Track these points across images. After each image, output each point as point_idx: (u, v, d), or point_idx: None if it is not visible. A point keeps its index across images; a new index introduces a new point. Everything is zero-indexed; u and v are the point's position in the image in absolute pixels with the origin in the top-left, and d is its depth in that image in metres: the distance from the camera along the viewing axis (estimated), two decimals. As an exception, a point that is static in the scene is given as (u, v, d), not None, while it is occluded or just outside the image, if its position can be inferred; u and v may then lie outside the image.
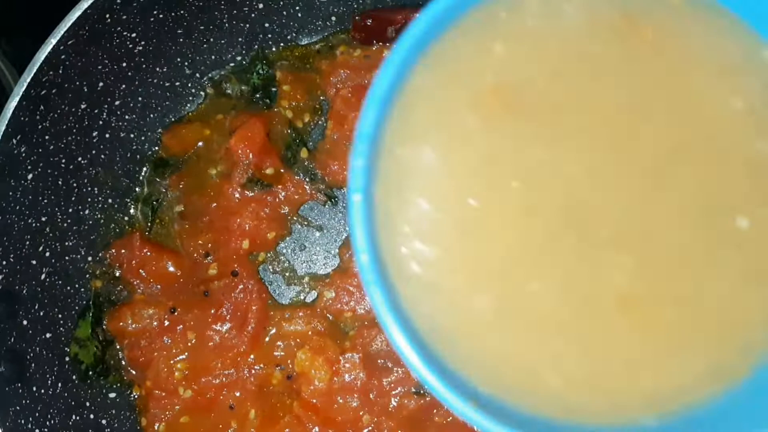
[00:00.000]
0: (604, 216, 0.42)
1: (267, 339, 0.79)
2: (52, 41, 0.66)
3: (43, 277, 0.72)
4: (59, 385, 0.71)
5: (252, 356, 0.78)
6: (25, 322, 0.69)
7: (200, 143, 0.83)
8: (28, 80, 0.65)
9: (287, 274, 0.81)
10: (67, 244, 0.75)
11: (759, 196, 0.42)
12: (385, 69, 0.40)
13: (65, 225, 0.75)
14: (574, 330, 0.42)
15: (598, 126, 0.42)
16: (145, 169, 0.82)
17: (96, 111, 0.75)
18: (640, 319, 0.41)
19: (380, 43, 0.84)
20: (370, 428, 0.76)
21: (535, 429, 0.40)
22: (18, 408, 0.65)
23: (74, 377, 0.73)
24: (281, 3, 0.82)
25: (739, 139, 0.42)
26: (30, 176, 0.69)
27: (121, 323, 0.77)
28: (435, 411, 0.76)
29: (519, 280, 0.42)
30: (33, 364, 0.69)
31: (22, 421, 0.65)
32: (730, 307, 0.42)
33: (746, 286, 0.42)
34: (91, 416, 0.73)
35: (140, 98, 0.80)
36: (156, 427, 0.76)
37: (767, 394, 0.40)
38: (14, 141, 0.66)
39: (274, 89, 0.83)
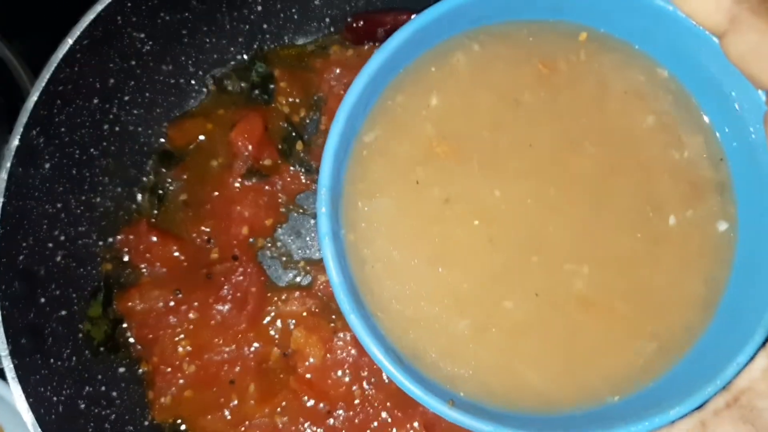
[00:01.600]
0: (560, 236, 0.47)
1: (266, 319, 0.83)
2: (69, 41, 0.70)
3: (58, 259, 0.76)
4: (74, 358, 0.75)
5: (251, 334, 0.82)
6: (42, 300, 0.73)
7: (203, 136, 0.87)
8: (47, 77, 0.69)
9: (284, 258, 0.86)
10: (80, 229, 0.79)
11: (680, 197, 0.48)
12: (334, 125, 0.46)
13: (78, 211, 0.79)
14: (545, 332, 0.47)
15: (540, 163, 0.48)
16: (151, 160, 0.87)
17: (107, 106, 0.80)
18: (597, 315, 0.47)
19: (371, 43, 0.89)
20: (360, 399, 0.80)
21: (511, 422, 0.45)
22: (38, 377, 0.69)
23: (87, 352, 0.78)
24: (279, 6, 0.86)
25: (658, 151, 0.48)
26: (47, 165, 0.74)
27: (130, 303, 0.81)
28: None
29: (494, 300, 0.47)
30: (50, 339, 0.73)
31: (42, 389, 0.69)
32: (671, 294, 0.47)
33: (681, 274, 0.47)
34: (102, 388, 0.78)
35: (147, 94, 0.84)
36: (162, 400, 0.81)
37: (705, 364, 0.46)
38: (34, 132, 0.70)
39: (272, 86, 0.87)
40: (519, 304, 0.46)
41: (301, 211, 0.86)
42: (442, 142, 0.47)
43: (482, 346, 0.46)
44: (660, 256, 0.47)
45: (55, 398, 0.71)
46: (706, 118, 0.49)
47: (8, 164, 0.68)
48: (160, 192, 0.86)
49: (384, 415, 0.80)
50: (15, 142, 0.68)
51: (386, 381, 0.81)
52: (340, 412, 0.81)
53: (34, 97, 0.69)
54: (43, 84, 0.69)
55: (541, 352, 0.47)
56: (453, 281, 0.47)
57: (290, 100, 0.88)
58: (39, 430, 0.66)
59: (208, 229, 0.85)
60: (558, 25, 0.49)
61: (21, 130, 0.69)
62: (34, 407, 0.67)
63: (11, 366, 0.66)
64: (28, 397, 0.67)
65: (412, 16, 0.47)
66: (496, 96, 0.48)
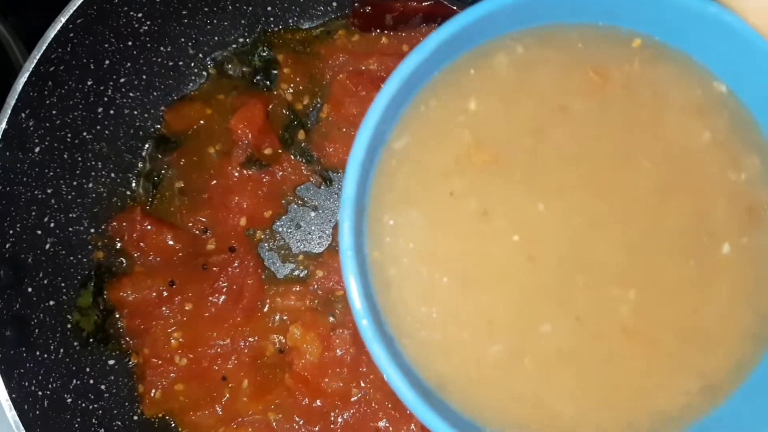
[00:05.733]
0: (607, 257, 0.44)
1: (261, 313, 0.81)
2: (62, 19, 0.67)
3: (47, 246, 0.74)
4: (61, 350, 0.73)
5: (246, 329, 0.80)
6: (30, 290, 0.71)
7: (201, 122, 0.84)
8: (38, 57, 0.66)
9: (282, 251, 0.83)
10: (71, 215, 0.77)
11: (736, 222, 0.44)
12: (361, 132, 0.41)
13: (69, 197, 0.76)
14: (585, 362, 0.44)
15: (587, 176, 0.44)
16: (147, 145, 0.84)
17: (101, 88, 0.77)
18: (641, 346, 0.44)
19: (378, 30, 0.86)
20: (358, 399, 0.78)
21: None
22: (22, 371, 0.67)
23: (75, 344, 0.75)
24: (284, -13, 0.83)
25: (714, 172, 0.45)
26: (37, 149, 0.71)
27: (121, 293, 0.79)
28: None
29: (531, 324, 0.43)
30: (37, 330, 0.71)
31: (26, 384, 0.67)
32: (721, 328, 0.44)
33: (733, 307, 0.44)
34: (91, 381, 0.75)
35: (144, 76, 0.81)
36: (152, 394, 0.78)
37: (755, 405, 0.43)
38: (23, 115, 0.68)
39: (274, 71, 0.84)
40: (557, 329, 0.43)
41: (300, 202, 0.83)
42: (480, 150, 0.43)
43: (514, 375, 0.43)
44: (711, 286, 0.44)
45: (40, 393, 0.68)
46: (763, 139, 0.45)
47: (-5, 148, 0.65)
48: (156, 178, 0.84)
49: (381, 415, 0.78)
50: (2, 125, 0.65)
51: (383, 380, 0.78)
52: (337, 411, 0.78)
53: (23, 78, 0.66)
54: (33, 64, 0.66)
55: (579, 384, 0.43)
56: (486, 303, 0.43)
57: (293, 86, 0.84)
58: (21, 427, 0.64)
59: (204, 219, 0.83)
60: (610, 31, 0.45)
61: (9, 112, 0.66)
62: (16, 403, 0.64)
63: (-5, 359, 0.64)
64: (11, 392, 0.64)
65: (455, 13, 0.43)
66: (540, 102, 0.44)
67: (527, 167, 0.44)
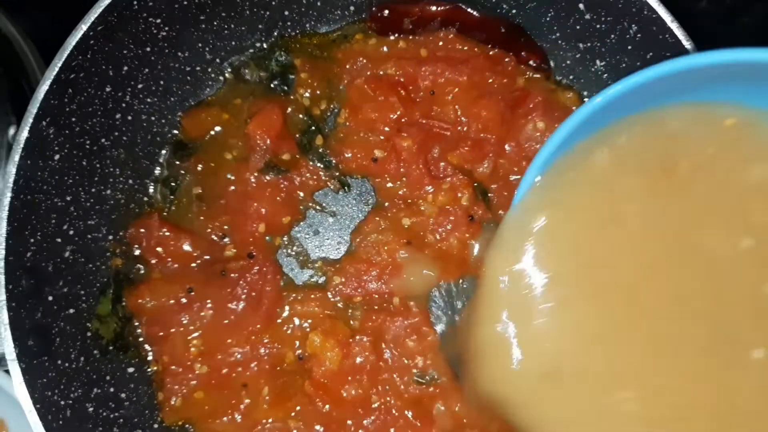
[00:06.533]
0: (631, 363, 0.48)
1: (280, 320, 0.80)
2: (83, 27, 0.67)
3: (66, 254, 0.73)
4: (82, 359, 0.73)
5: (266, 336, 0.79)
6: (50, 298, 0.70)
7: (218, 127, 0.83)
8: (59, 65, 0.66)
9: (301, 257, 0.83)
10: (89, 223, 0.76)
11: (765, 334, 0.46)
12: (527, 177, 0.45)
13: (88, 204, 0.76)
14: None
15: (626, 284, 0.47)
16: (164, 151, 0.83)
17: (120, 94, 0.76)
18: None
19: (396, 35, 0.85)
20: (377, 406, 0.77)
21: None
22: (45, 380, 0.66)
23: (95, 352, 0.75)
24: (301, -9, 0.82)
25: (749, 282, 0.46)
26: (57, 157, 0.70)
27: (140, 300, 0.79)
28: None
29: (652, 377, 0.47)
30: (58, 339, 0.70)
31: (49, 393, 0.67)
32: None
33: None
34: (111, 389, 0.75)
35: (162, 82, 0.80)
36: (172, 401, 0.78)
37: None
38: (44, 123, 0.67)
39: (291, 76, 0.84)
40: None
41: (319, 208, 0.83)
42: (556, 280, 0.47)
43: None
44: (739, 383, 0.46)
45: (62, 402, 0.68)
46: None
47: (17, 157, 0.65)
48: (173, 184, 0.83)
49: (402, 423, 0.78)
50: (24, 134, 0.65)
51: (403, 388, 0.78)
52: (357, 419, 0.78)
53: (44, 87, 0.65)
54: (54, 72, 0.66)
55: None
56: (612, 356, 0.50)
57: (311, 91, 0.84)
58: (46, 437, 0.63)
59: (223, 225, 0.82)
60: (708, 108, 0.45)
61: (30, 121, 0.65)
62: (40, 413, 0.64)
63: (18, 370, 0.63)
64: (35, 402, 0.64)
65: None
66: (607, 207, 0.47)
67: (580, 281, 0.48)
